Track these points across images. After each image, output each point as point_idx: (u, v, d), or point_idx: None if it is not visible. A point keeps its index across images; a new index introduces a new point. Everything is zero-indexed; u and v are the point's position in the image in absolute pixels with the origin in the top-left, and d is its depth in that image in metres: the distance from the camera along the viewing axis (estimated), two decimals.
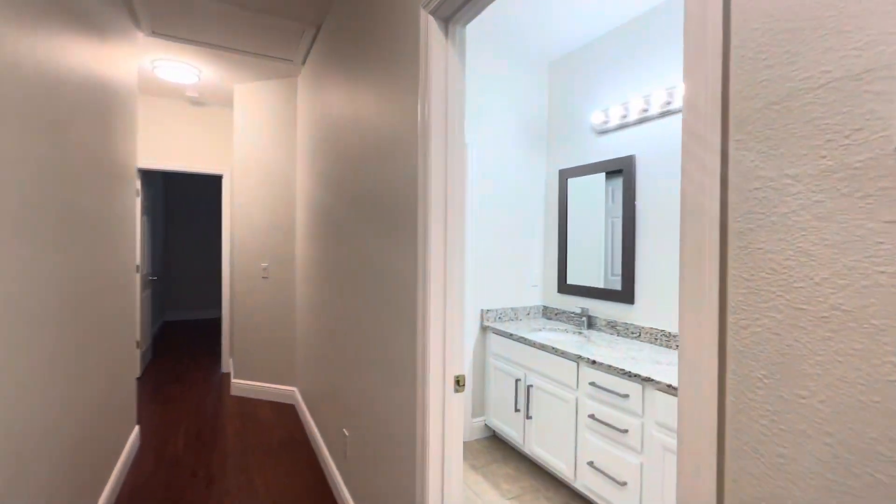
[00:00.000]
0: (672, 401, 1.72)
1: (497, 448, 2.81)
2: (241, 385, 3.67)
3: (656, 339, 2.36)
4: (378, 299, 1.76)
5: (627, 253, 2.55)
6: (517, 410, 2.60)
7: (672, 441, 1.72)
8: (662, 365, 1.98)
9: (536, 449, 2.47)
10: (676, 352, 2.21)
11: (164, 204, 6.78)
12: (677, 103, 2.25)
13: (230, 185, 4.26)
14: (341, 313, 2.27)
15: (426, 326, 1.31)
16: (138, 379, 4.03)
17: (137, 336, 3.82)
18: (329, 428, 2.49)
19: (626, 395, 1.91)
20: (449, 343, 1.32)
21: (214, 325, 6.72)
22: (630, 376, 1.89)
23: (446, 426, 1.32)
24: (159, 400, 3.56)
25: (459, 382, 1.31)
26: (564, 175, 3.01)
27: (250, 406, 3.47)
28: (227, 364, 4.26)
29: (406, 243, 1.50)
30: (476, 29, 2.71)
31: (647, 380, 1.81)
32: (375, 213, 1.78)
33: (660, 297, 2.38)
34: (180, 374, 4.24)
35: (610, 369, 1.98)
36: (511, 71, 3.03)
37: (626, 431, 1.91)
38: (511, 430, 2.68)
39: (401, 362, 1.53)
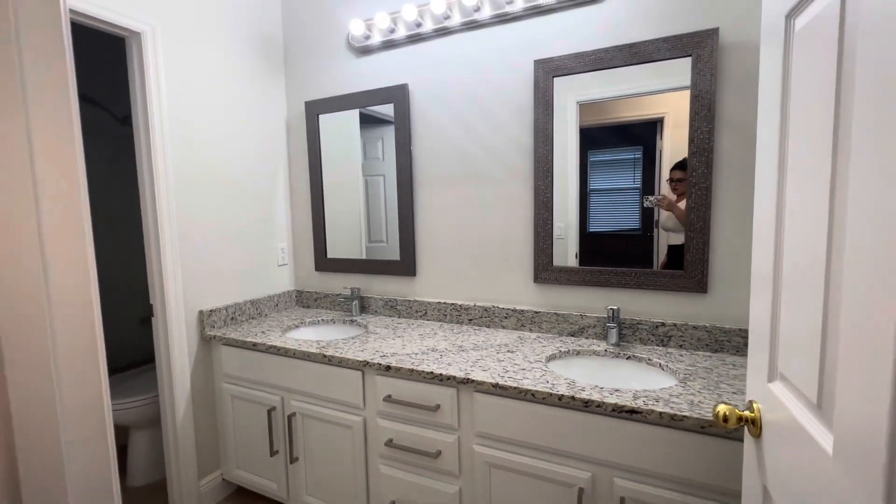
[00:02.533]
0: (499, 402, 1.29)
1: None
2: None
3: (445, 315, 1.95)
4: None
5: (405, 212, 2.01)
6: (274, 453, 1.75)
7: (499, 454, 1.30)
8: (469, 352, 1.54)
9: (309, 500, 1.72)
10: (474, 328, 1.84)
11: None
12: (458, 18, 1.77)
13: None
14: None
15: None
16: None
17: None
18: None
19: (437, 407, 1.39)
20: None
21: None
22: (441, 380, 1.37)
23: None
24: None
25: None
26: (314, 109, 2.18)
27: None
28: None
29: None
30: None
31: (465, 381, 1.32)
32: None
33: (446, 265, 1.96)
34: None
35: (412, 374, 1.41)
36: None
37: (437, 454, 1.40)
38: (267, 481, 1.82)
39: None
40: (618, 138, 1.61)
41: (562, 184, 1.69)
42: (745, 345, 1.44)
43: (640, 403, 1.11)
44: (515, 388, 1.24)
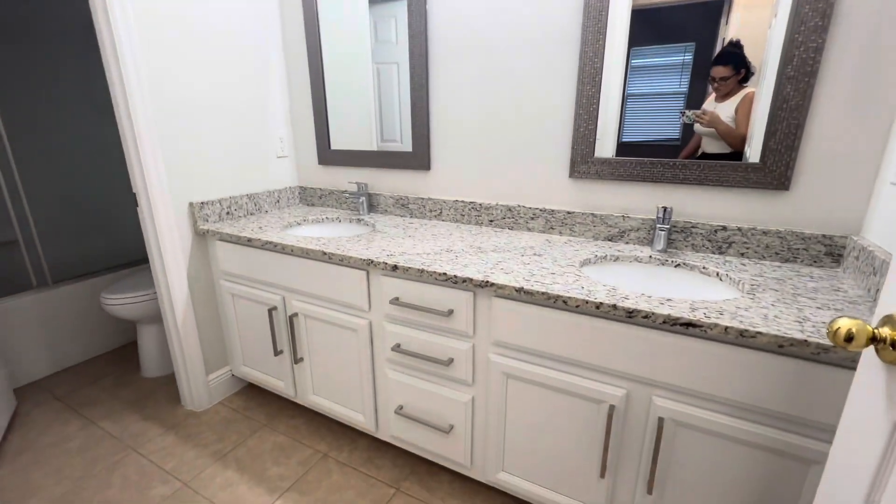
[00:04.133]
0: (522, 309, 1.11)
1: (257, 404, 1.89)
2: None
3: (463, 215, 1.72)
4: None
5: (418, 92, 1.69)
6: (278, 353, 1.67)
7: (518, 364, 1.15)
8: (488, 253, 1.34)
9: (316, 399, 1.66)
10: (495, 230, 1.62)
11: None
12: None
13: None
14: None
15: None
16: None
17: None
18: None
19: (450, 312, 1.22)
20: None
21: None
22: (455, 282, 1.18)
23: None
24: None
25: None
26: None
27: None
28: None
29: None
30: None
31: (483, 284, 1.13)
32: None
33: (465, 157, 1.68)
34: None
35: (422, 275, 1.22)
36: None
37: (450, 362, 1.26)
38: (274, 379, 1.77)
39: None
40: (669, 29, 1.24)
41: (607, 73, 1.35)
42: (827, 254, 1.18)
43: (699, 316, 0.90)
44: (544, 293, 1.04)
